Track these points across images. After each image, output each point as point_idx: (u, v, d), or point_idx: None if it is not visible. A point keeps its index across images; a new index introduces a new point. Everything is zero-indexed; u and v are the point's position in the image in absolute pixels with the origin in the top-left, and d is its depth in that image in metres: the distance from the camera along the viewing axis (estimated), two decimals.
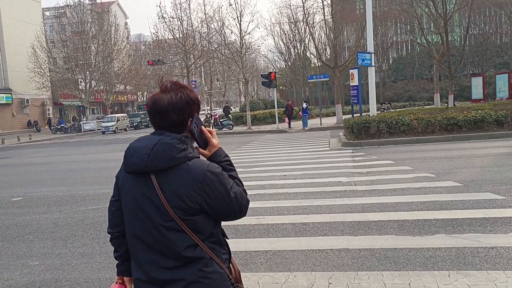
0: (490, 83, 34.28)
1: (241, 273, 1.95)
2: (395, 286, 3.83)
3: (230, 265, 1.86)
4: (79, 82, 45.59)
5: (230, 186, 1.72)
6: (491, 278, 3.83)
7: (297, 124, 27.66)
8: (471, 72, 46.56)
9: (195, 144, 1.83)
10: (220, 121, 30.46)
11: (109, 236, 1.93)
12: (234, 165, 1.90)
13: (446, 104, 26.58)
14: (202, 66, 42.66)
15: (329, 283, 3.98)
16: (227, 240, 1.88)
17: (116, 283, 1.97)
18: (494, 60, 47.12)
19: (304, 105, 26.74)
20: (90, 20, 47.09)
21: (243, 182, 1.86)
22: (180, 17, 35.42)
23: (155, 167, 1.66)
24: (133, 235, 1.77)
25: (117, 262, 1.96)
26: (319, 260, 4.60)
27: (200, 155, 1.82)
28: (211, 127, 25.47)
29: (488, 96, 32.04)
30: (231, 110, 36.08)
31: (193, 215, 1.67)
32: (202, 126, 1.83)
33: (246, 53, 34.61)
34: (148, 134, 1.78)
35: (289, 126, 26.66)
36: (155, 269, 1.71)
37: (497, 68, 44.88)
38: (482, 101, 26.96)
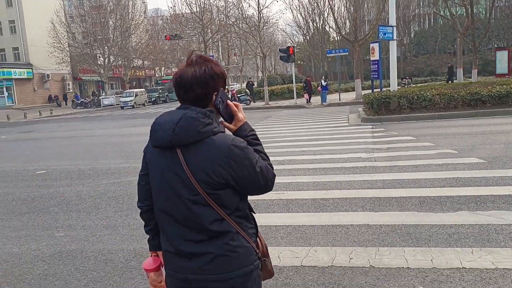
0: None
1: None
2: (417, 262, 3.82)
3: (258, 239, 1.87)
4: (98, 57, 45.88)
5: (256, 160, 1.72)
6: None
7: (315, 99, 27.35)
8: (496, 45, 45.13)
9: (220, 119, 1.81)
10: (237, 96, 30.37)
11: (139, 210, 1.93)
12: None
13: (469, 79, 25.91)
14: (219, 41, 42.34)
15: (350, 258, 3.99)
16: (253, 214, 1.88)
17: (151, 256, 1.97)
18: None
19: (323, 82, 26.28)
20: None
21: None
22: None
23: (180, 141, 1.66)
24: (160, 209, 1.78)
25: (148, 237, 1.96)
26: (339, 235, 4.60)
27: (226, 129, 1.81)
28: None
29: None
30: (254, 85, 35.75)
31: (218, 189, 1.67)
32: (228, 100, 1.80)
33: (264, 27, 34.13)
34: (173, 109, 1.77)
35: (308, 101, 26.39)
36: (182, 242, 1.73)
37: None
38: (507, 76, 26.22)
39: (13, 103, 45.61)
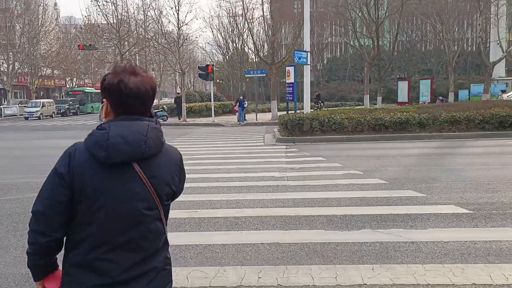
0: (415, 87, 36.49)
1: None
2: (323, 279, 3.92)
3: None
4: (1, 64, 42.38)
5: None
6: (411, 271, 4.03)
7: (233, 118, 27.62)
8: (398, 76, 49.21)
9: None
10: (154, 112, 29.64)
11: (38, 244, 1.60)
12: None
13: (375, 105, 27.88)
14: (137, 54, 41.32)
15: (259, 277, 4.00)
16: None
17: (51, 276, 1.70)
18: (419, 66, 50.19)
19: (243, 101, 26.57)
20: None
21: None
22: (114, 2, 33.98)
23: (150, 153, 1.58)
24: (108, 233, 1.57)
25: (42, 266, 1.67)
26: (250, 254, 4.60)
27: None
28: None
29: (412, 99, 34.08)
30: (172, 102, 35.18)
31: (169, 200, 1.69)
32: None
33: (184, 44, 33.99)
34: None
35: (239, 120, 26.39)
36: (127, 268, 1.58)
37: (421, 74, 47.80)
38: (406, 104, 28.62)
39: None
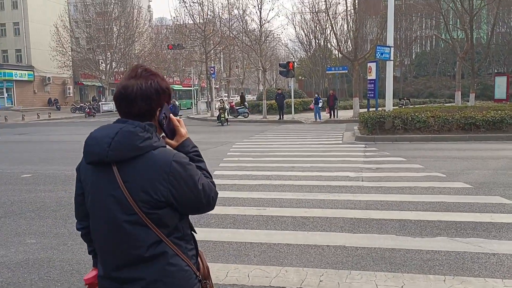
0: None
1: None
2: (387, 287, 3.73)
3: (198, 260, 1.78)
4: (100, 63, 46.03)
5: (198, 178, 1.64)
6: (488, 286, 3.69)
7: (310, 116, 27.37)
8: (496, 71, 45.32)
9: (162, 134, 1.74)
10: (236, 109, 30.38)
11: (78, 230, 1.83)
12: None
13: (467, 103, 25.97)
14: (221, 53, 42.53)
15: (320, 281, 3.90)
16: (194, 234, 1.78)
17: (93, 269, 1.87)
18: None
19: (318, 99, 26.17)
20: (113, 1, 47.28)
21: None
22: (201, 2, 35.25)
23: (116, 157, 1.56)
24: (95, 230, 1.68)
25: (93, 255, 1.85)
26: (314, 256, 4.51)
27: (167, 145, 1.72)
28: (226, 114, 25.21)
29: None
30: (253, 99, 35.69)
31: (158, 209, 1.57)
32: (171, 115, 1.75)
33: (266, 42, 34.31)
34: (113, 123, 1.66)
35: (330, 117, 26.19)
36: (115, 266, 1.63)
37: None
38: (504, 102, 26.26)
39: (12, 104, 45.65)
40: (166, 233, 1.61)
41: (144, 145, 1.57)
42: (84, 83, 54.86)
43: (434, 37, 48.22)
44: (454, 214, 5.81)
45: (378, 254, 4.51)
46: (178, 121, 1.78)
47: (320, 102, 25.89)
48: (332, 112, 26.32)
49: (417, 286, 3.73)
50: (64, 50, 43.59)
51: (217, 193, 1.74)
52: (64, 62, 44.37)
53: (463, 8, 25.88)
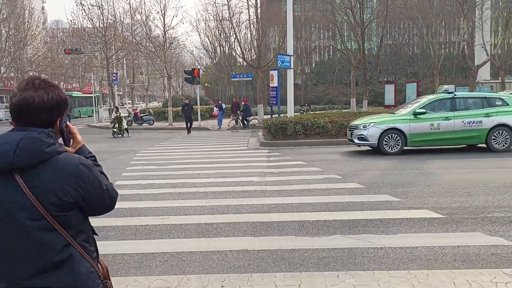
0: (401, 90, 36.66)
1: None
2: (286, 287, 3.88)
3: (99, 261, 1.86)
4: None
5: (102, 179, 1.75)
6: (375, 278, 4.00)
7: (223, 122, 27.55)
8: (385, 79, 49.47)
9: (59, 141, 1.79)
10: (140, 116, 29.51)
11: None
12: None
13: (361, 109, 28.00)
14: (124, 59, 41.11)
15: (222, 286, 3.94)
16: (95, 236, 1.86)
17: None
18: (405, 69, 50.52)
19: (222, 105, 26.63)
20: (1, 1, 43.35)
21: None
22: (100, 6, 33.80)
23: (22, 163, 1.58)
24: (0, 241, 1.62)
25: None
26: (217, 262, 4.54)
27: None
28: (124, 123, 23.90)
29: (399, 102, 34.21)
30: (159, 105, 34.72)
31: (66, 211, 1.63)
32: (68, 123, 1.83)
33: (170, 48, 33.88)
34: (9, 132, 1.65)
35: (236, 123, 26.04)
36: (21, 278, 1.61)
37: (408, 77, 48.13)
38: (393, 107, 28.75)
39: None
40: (73, 235, 1.66)
41: (50, 150, 1.62)
42: None
43: (331, 47, 51.32)
44: (348, 213, 6.23)
45: (279, 255, 4.67)
46: (75, 129, 1.86)
47: (223, 107, 26.36)
48: (236, 119, 26.48)
49: (314, 283, 3.93)
50: None
51: (117, 193, 1.84)
52: None
53: (355, 21, 27.93)
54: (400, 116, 12.30)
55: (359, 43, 27.96)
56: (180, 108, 25.82)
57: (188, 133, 22.62)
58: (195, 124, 26.93)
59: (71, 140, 1.84)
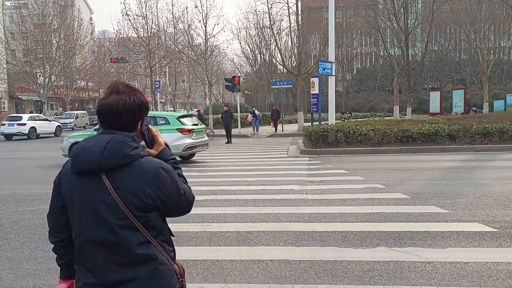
0: (447, 97, 35.55)
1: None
2: None
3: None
4: (38, 76, 44.01)
5: (180, 183, 1.82)
6: None
7: (262, 129, 27.63)
8: (430, 86, 48.08)
9: (142, 144, 1.88)
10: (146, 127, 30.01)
11: (53, 245, 1.89)
12: (190, 168, 1.92)
13: (404, 116, 27.27)
14: (167, 67, 42.08)
15: None
16: (172, 237, 1.94)
17: (64, 281, 1.92)
18: (452, 75, 48.93)
19: (256, 112, 26.83)
20: (52, 13, 45.53)
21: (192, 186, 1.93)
22: (145, 16, 34.78)
23: (109, 164, 1.68)
24: (85, 240, 1.74)
25: (62, 267, 1.92)
26: (257, 271, 4.47)
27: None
28: None
29: (445, 110, 33.14)
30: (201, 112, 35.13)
31: (147, 212, 1.72)
32: (150, 126, 1.91)
33: (211, 56, 34.37)
34: (98, 135, 1.77)
35: (276, 130, 26.60)
36: (108, 271, 1.71)
37: (455, 83, 46.60)
38: (438, 115, 27.83)
39: None
40: (154, 235, 1.76)
41: (133, 154, 1.72)
42: (20, 97, 52.08)
43: (373, 53, 50.46)
44: (393, 224, 6.01)
45: (321, 266, 4.55)
46: (157, 132, 1.94)
47: (257, 112, 26.54)
48: (276, 126, 26.87)
49: None
50: None
51: (194, 197, 1.91)
52: None
53: (399, 27, 27.33)
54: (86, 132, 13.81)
55: (403, 49, 27.31)
56: (220, 114, 26.32)
57: (227, 142, 21.65)
58: (235, 131, 27.14)
59: (153, 143, 1.92)
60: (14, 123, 27.72)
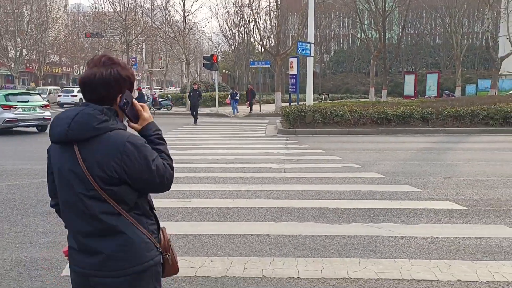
0: (422, 81, 36.23)
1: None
2: (308, 272, 3.93)
3: (161, 234, 1.94)
4: (9, 50, 42.47)
5: (152, 159, 1.77)
6: (397, 266, 4.03)
7: (239, 109, 27.58)
8: (405, 69, 48.79)
9: (126, 119, 1.89)
10: (159, 101, 29.75)
11: (51, 206, 1.99)
12: (170, 146, 1.95)
13: (380, 99, 27.72)
14: (143, 43, 41.29)
15: (244, 268, 4.00)
16: (154, 211, 1.95)
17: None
18: (426, 59, 49.74)
19: (234, 93, 26.68)
20: None
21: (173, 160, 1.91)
22: None
23: (74, 136, 1.72)
24: (63, 204, 1.83)
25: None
26: (238, 245, 4.61)
27: (131, 129, 1.89)
28: (150, 107, 24.45)
29: (419, 93, 33.80)
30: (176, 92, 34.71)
31: (113, 185, 1.73)
32: (134, 100, 1.87)
33: (189, 34, 33.89)
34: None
35: (251, 110, 26.56)
36: (83, 237, 1.78)
37: (429, 67, 47.41)
38: (412, 98, 28.39)
39: None
40: (126, 209, 1.78)
41: (101, 127, 1.72)
42: None
43: (351, 35, 50.71)
44: (368, 201, 6.23)
45: (299, 240, 4.72)
46: (142, 106, 1.91)
47: (237, 96, 26.35)
48: (251, 106, 26.84)
49: (335, 269, 3.97)
50: None
51: (173, 175, 1.87)
52: None
53: (376, 9, 27.53)
54: None
55: (380, 32, 27.59)
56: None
57: (194, 123, 19.83)
58: (212, 110, 27.05)
59: (138, 118, 1.89)
60: (68, 95, 34.35)
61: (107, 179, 1.71)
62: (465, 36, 37.97)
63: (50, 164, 1.88)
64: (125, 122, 1.90)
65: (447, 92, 33.76)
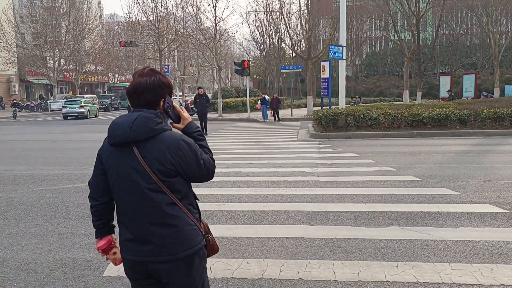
0: (458, 82, 35.21)
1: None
2: (344, 274, 3.90)
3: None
4: (48, 60, 44.16)
5: (200, 153, 2.09)
6: (436, 270, 3.94)
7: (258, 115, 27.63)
8: (440, 71, 47.61)
9: (169, 120, 2.15)
10: (191, 107, 30.16)
11: (92, 208, 2.18)
12: None
13: (414, 101, 27.16)
14: (175, 51, 42.04)
15: (281, 271, 4.02)
16: (197, 201, 2.23)
17: (101, 238, 2.20)
18: (463, 60, 48.36)
19: (266, 97, 26.04)
20: None
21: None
22: None
23: (136, 137, 1.97)
24: (122, 201, 2.06)
25: (99, 227, 2.20)
26: (274, 248, 4.63)
27: (175, 129, 2.16)
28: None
29: (456, 95, 32.87)
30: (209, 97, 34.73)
31: (171, 177, 2.00)
32: (174, 103, 2.16)
33: (220, 40, 34.27)
34: (128, 113, 2.07)
35: (275, 119, 25.60)
36: (140, 228, 2.02)
37: (466, 68, 46.06)
38: (472, 99, 27.61)
39: None
40: (179, 198, 2.04)
41: (157, 128, 2.01)
42: (30, 80, 52.41)
43: (383, 38, 49.95)
44: (405, 205, 6.12)
45: (335, 244, 4.69)
46: (181, 108, 2.21)
47: (267, 100, 25.64)
48: (275, 114, 25.41)
49: (373, 272, 3.93)
50: (9, 46, 41.51)
51: (215, 166, 2.19)
52: (9, 59, 42.28)
53: (410, 10, 27.03)
54: None
55: (414, 33, 27.07)
56: (230, 98, 24.31)
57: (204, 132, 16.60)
58: (244, 115, 27.16)
59: (179, 118, 2.18)
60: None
61: (165, 172, 1.98)
62: (504, 35, 36.76)
63: (101, 165, 2.11)
64: (167, 123, 2.13)
65: (485, 93, 32.72)
